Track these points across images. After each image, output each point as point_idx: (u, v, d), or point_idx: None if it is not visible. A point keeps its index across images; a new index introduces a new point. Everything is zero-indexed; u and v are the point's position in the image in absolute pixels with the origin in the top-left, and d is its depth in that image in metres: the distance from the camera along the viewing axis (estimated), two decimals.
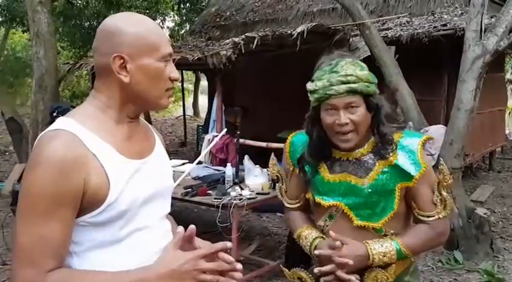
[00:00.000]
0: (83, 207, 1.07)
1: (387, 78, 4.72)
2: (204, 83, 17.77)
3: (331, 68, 1.51)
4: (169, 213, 1.38)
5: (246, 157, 4.27)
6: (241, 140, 5.68)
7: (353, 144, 1.55)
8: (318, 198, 1.63)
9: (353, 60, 1.56)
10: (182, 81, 11.42)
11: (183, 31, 15.85)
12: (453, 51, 5.45)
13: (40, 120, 6.51)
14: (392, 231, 1.57)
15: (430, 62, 6.23)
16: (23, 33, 15.44)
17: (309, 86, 1.55)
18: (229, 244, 1.10)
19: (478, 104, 4.38)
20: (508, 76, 11.68)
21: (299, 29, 5.29)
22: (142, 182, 1.17)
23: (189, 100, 21.07)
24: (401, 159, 1.54)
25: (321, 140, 1.60)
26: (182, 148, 11.12)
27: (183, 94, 11.84)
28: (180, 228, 1.12)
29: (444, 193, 1.55)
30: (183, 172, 4.07)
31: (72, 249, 1.10)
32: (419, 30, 5.88)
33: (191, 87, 21.54)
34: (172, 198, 3.88)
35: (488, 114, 7.13)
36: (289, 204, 1.78)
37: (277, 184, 1.84)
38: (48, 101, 6.56)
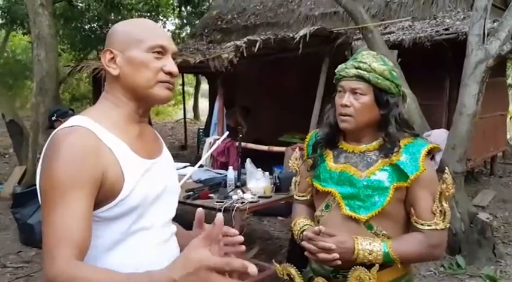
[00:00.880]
0: (98, 201, 1.08)
1: None
2: (204, 86, 17.80)
3: (355, 55, 1.64)
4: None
5: (248, 160, 4.26)
6: (242, 143, 5.67)
7: (350, 126, 1.60)
8: (315, 183, 1.70)
9: (379, 54, 1.64)
10: (183, 85, 11.43)
11: (184, 34, 15.88)
12: (455, 56, 5.45)
13: (40, 123, 6.50)
14: (384, 232, 1.57)
15: (432, 66, 6.22)
16: (23, 35, 15.45)
17: (337, 68, 1.67)
18: (251, 268, 0.87)
19: (480, 108, 4.37)
20: (509, 81, 11.68)
21: (301, 33, 5.28)
22: (152, 181, 1.19)
23: (190, 103, 21.11)
24: (403, 159, 1.55)
25: (332, 124, 1.67)
26: (182, 151, 11.11)
27: (184, 97, 11.86)
28: (219, 216, 0.93)
29: (445, 204, 1.53)
30: (184, 175, 4.06)
31: None
32: (421, 34, 5.87)
33: (192, 90, 21.57)
34: None
35: (489, 118, 7.12)
36: (298, 196, 1.86)
37: (294, 177, 1.90)
38: (48, 103, 6.55)
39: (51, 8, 7.10)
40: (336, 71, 1.66)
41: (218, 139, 5.30)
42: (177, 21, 17.59)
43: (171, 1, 14.70)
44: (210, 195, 3.83)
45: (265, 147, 6.04)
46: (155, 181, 1.21)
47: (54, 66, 6.83)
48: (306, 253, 1.57)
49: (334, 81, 1.67)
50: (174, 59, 1.24)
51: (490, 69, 4.26)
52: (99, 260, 1.10)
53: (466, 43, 4.39)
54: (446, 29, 5.89)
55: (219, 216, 0.92)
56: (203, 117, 15.78)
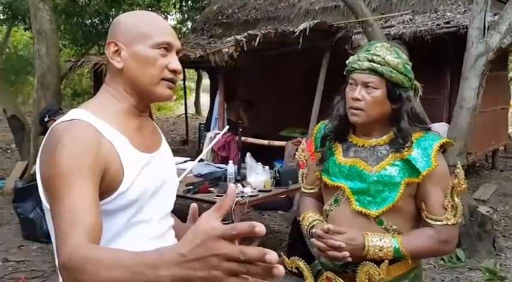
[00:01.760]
0: (99, 193, 1.07)
1: None
2: (206, 81, 17.77)
3: (368, 47, 1.59)
4: (171, 211, 1.37)
5: (248, 155, 4.27)
6: (242, 138, 5.68)
7: (361, 120, 1.56)
8: (325, 177, 1.66)
9: (392, 46, 1.58)
10: (184, 80, 11.39)
11: (185, 29, 15.85)
12: (456, 49, 5.42)
13: None
14: (394, 227, 1.55)
15: (433, 59, 6.19)
16: (25, 31, 15.45)
17: (348, 59, 1.62)
18: (258, 227, 0.74)
19: (480, 102, 4.36)
20: (511, 74, 11.63)
21: (301, 27, 5.27)
22: (151, 175, 1.19)
23: (191, 98, 21.09)
24: (415, 154, 1.52)
25: (342, 117, 1.63)
26: (184, 146, 11.12)
27: (185, 92, 11.84)
28: (231, 186, 0.83)
29: (456, 199, 1.52)
30: (185, 170, 4.08)
31: None
32: (422, 28, 5.84)
33: (193, 85, 21.56)
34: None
35: (491, 112, 7.11)
36: (305, 189, 1.83)
37: (300, 170, 1.87)
38: (50, 98, 6.57)
39: (52, 3, 7.09)
40: (347, 62, 1.61)
41: (218, 134, 5.30)
42: (178, 16, 17.57)
43: None
44: (210, 189, 3.86)
45: (265, 142, 6.05)
46: (154, 175, 1.21)
47: (55, 61, 6.83)
48: (315, 250, 1.56)
49: (345, 73, 1.63)
50: (177, 55, 1.23)
51: (490, 63, 4.25)
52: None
53: (466, 36, 4.38)
54: (447, 23, 5.87)
55: (232, 186, 0.82)
56: (205, 112, 15.76)
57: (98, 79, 7.90)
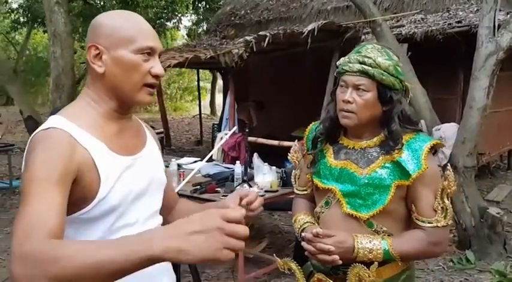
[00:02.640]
0: (76, 203, 1.07)
1: None
2: (221, 81, 17.88)
3: (358, 48, 1.57)
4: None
5: (255, 155, 4.29)
6: (252, 139, 5.71)
7: (352, 123, 1.55)
8: (316, 180, 1.65)
9: (384, 48, 1.57)
10: (198, 80, 11.51)
11: (200, 30, 15.95)
12: (469, 49, 5.36)
13: None
14: (385, 229, 1.55)
15: (446, 59, 6.14)
16: (44, 33, 15.75)
17: (339, 60, 1.61)
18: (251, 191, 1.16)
19: (492, 102, 4.31)
20: None
21: (309, 27, 5.27)
22: (133, 177, 1.18)
23: (206, 99, 21.23)
24: (405, 157, 1.51)
25: (332, 118, 1.62)
26: (198, 146, 11.21)
27: (199, 93, 11.93)
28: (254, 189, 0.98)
29: (447, 201, 1.51)
30: (193, 169, 4.11)
31: None
32: (433, 27, 5.79)
33: (209, 86, 21.69)
34: (181, 195, 3.91)
35: (505, 112, 7.00)
36: (298, 190, 1.82)
37: (293, 170, 1.87)
38: (65, 99, 6.70)
39: (67, 6, 7.24)
40: (337, 63, 1.60)
41: (227, 134, 5.34)
42: (193, 17, 17.70)
43: None
44: (217, 189, 3.88)
45: (275, 142, 6.06)
46: (138, 177, 1.20)
47: (70, 63, 6.97)
48: (306, 253, 1.55)
49: (335, 75, 1.62)
50: (159, 57, 1.22)
51: (500, 62, 4.19)
52: None
53: None
54: (459, 22, 5.81)
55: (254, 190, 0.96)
56: (219, 112, 15.87)
57: None
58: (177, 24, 17.21)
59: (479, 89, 4.24)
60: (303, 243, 1.56)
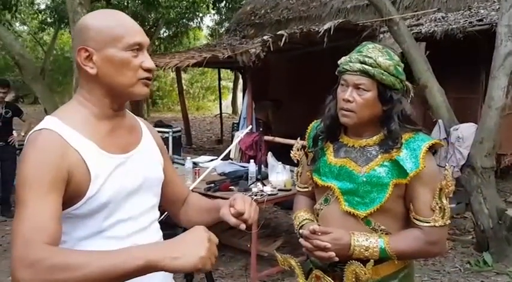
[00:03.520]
0: (67, 200, 1.12)
1: (416, 75, 4.62)
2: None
3: (360, 48, 1.58)
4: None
5: (270, 154, 4.31)
6: (269, 138, 5.73)
7: (351, 122, 1.56)
8: (315, 177, 1.67)
9: (385, 48, 1.58)
10: (219, 80, 11.58)
11: (222, 30, 16.04)
12: (491, 47, 5.27)
13: None
14: (383, 227, 1.56)
15: (467, 58, 6.03)
16: (70, 33, 16.07)
17: (340, 59, 1.62)
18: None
19: (510, 101, 4.23)
20: None
21: (326, 26, 5.26)
22: (126, 175, 1.21)
23: (228, 98, 21.32)
24: (403, 155, 1.52)
25: (333, 116, 1.63)
26: (218, 145, 11.29)
27: (220, 92, 12.00)
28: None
29: (444, 201, 1.51)
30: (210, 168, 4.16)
31: (62, 239, 1.14)
32: (453, 26, 5.70)
33: (231, 85, 21.79)
34: (195, 192, 3.96)
35: None
36: (300, 188, 1.85)
37: (295, 168, 1.89)
38: None
39: (89, 6, 7.37)
40: (338, 62, 1.60)
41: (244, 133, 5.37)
42: (216, 17, 17.79)
43: None
44: (230, 187, 3.92)
45: (292, 141, 6.06)
46: (131, 174, 1.22)
47: None
48: (303, 250, 1.57)
49: (336, 73, 1.62)
50: (148, 51, 1.24)
51: None
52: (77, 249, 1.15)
53: None
54: (480, 20, 5.70)
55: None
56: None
57: None
58: (199, 24, 17.35)
59: (497, 88, 4.16)
60: (301, 240, 1.57)
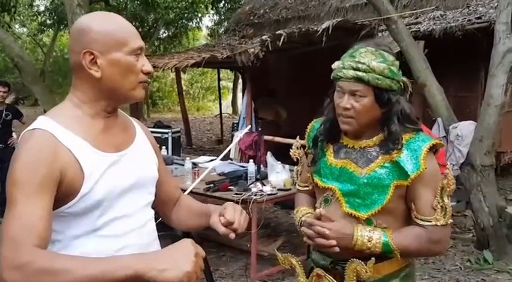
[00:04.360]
0: (61, 198, 1.12)
1: (415, 74, 4.62)
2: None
3: (352, 52, 1.54)
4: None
5: (269, 154, 4.31)
6: (269, 137, 5.73)
7: (352, 128, 1.56)
8: (316, 178, 1.66)
9: (378, 50, 1.54)
10: (219, 80, 11.57)
11: (221, 30, 16.04)
12: (489, 45, 5.27)
13: None
14: (384, 226, 1.55)
15: (466, 56, 6.03)
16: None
17: (334, 64, 1.59)
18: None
19: (509, 99, 4.23)
20: None
21: (324, 25, 5.26)
22: (119, 173, 1.22)
23: (228, 98, 21.32)
24: (404, 157, 1.51)
25: (332, 120, 1.62)
26: (218, 145, 11.29)
27: (219, 92, 12.00)
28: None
29: (446, 200, 1.50)
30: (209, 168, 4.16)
31: (55, 238, 1.16)
32: (452, 24, 5.70)
33: (231, 85, 21.78)
34: (195, 193, 3.94)
35: None
36: (300, 186, 1.85)
37: (295, 167, 1.88)
38: None
39: (88, 8, 7.38)
40: (332, 67, 1.58)
41: (246, 133, 5.37)
42: (215, 17, 17.79)
43: None
44: (230, 187, 3.92)
45: (292, 141, 6.06)
46: (125, 172, 1.23)
47: None
48: (304, 239, 1.57)
49: (331, 78, 1.60)
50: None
51: None
52: (70, 248, 1.16)
53: None
54: (479, 18, 5.70)
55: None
56: None
57: None
58: (198, 24, 17.35)
59: (496, 86, 4.16)
60: (303, 228, 1.57)
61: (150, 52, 13.45)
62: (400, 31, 4.57)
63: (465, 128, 4.50)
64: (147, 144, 1.37)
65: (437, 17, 6.26)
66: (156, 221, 1.38)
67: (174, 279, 0.99)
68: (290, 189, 3.92)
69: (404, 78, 1.61)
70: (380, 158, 1.55)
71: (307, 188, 1.82)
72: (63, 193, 1.12)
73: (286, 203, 5.03)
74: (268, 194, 3.75)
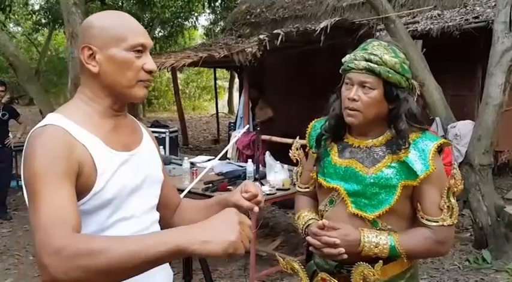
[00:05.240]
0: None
1: (413, 73, 4.60)
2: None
3: (364, 45, 1.55)
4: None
5: (268, 153, 4.30)
6: (267, 137, 5.71)
7: (357, 121, 1.53)
8: (320, 178, 1.64)
9: (390, 45, 1.55)
10: (215, 80, 11.56)
11: (218, 29, 16.01)
12: (487, 45, 5.28)
13: None
14: (389, 227, 1.54)
15: (464, 56, 6.04)
16: (65, 34, 16.02)
17: (344, 57, 1.59)
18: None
19: (510, 99, 4.23)
20: None
21: (322, 25, 5.25)
22: (129, 172, 1.22)
23: (225, 98, 21.29)
24: (412, 156, 1.49)
25: (338, 116, 1.60)
26: (215, 145, 11.28)
27: (216, 92, 11.99)
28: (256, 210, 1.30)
29: (453, 200, 1.49)
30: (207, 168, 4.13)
31: None
32: (450, 23, 5.70)
33: (227, 85, 21.76)
34: (193, 193, 3.93)
35: None
36: (300, 188, 1.82)
37: (295, 168, 1.86)
38: None
39: (84, 7, 7.33)
40: (343, 60, 1.58)
41: (244, 132, 5.35)
42: (211, 16, 17.76)
43: None
44: (228, 187, 3.90)
45: (290, 140, 6.05)
46: (134, 172, 1.23)
47: None
48: (311, 248, 1.55)
49: (340, 72, 1.59)
50: (150, 54, 1.25)
51: None
52: None
53: None
54: (476, 17, 5.71)
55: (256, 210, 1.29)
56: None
57: None
58: (194, 23, 17.32)
59: (495, 85, 4.16)
60: (308, 238, 1.56)
61: None
62: (399, 30, 4.56)
63: (463, 128, 4.50)
64: (152, 147, 1.38)
65: (435, 16, 6.26)
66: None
67: (218, 251, 0.94)
68: (289, 188, 3.91)
69: (413, 81, 1.60)
70: (387, 157, 1.53)
71: (307, 190, 1.80)
72: (77, 189, 1.10)
73: (285, 202, 5.02)
74: (267, 194, 3.73)
